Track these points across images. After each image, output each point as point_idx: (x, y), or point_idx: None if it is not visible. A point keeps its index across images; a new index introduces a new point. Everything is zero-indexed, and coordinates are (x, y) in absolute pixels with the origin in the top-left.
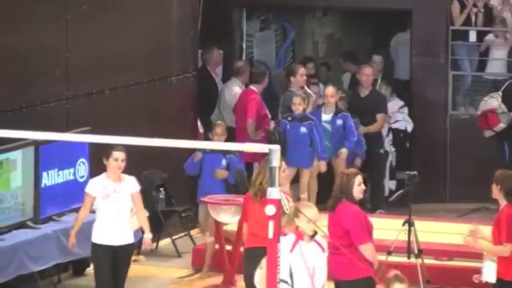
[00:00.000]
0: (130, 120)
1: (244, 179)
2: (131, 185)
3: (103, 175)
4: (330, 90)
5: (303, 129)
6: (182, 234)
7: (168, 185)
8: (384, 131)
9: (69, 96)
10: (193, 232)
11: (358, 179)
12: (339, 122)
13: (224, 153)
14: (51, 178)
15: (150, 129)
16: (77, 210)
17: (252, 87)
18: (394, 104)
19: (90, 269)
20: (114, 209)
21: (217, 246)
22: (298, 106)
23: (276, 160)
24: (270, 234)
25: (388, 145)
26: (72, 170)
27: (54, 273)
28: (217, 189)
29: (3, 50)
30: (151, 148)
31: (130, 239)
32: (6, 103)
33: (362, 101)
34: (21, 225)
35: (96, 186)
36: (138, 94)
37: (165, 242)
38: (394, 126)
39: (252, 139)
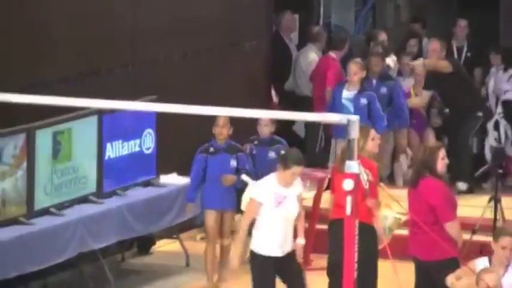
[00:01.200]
0: (199, 88)
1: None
2: (298, 187)
3: (271, 179)
4: (353, 67)
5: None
6: None
7: None
8: (493, 104)
9: (135, 63)
10: None
11: (442, 152)
12: (363, 101)
13: (233, 152)
14: (115, 150)
15: (220, 98)
16: (142, 184)
17: (331, 53)
18: (503, 75)
19: (155, 247)
20: (284, 217)
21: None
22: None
23: (354, 132)
24: (348, 211)
25: (499, 118)
26: (137, 141)
27: (117, 252)
28: (227, 196)
29: (67, 15)
30: None
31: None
32: (69, 70)
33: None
34: (83, 200)
35: (265, 192)
36: (208, 60)
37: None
38: (504, 98)
39: None
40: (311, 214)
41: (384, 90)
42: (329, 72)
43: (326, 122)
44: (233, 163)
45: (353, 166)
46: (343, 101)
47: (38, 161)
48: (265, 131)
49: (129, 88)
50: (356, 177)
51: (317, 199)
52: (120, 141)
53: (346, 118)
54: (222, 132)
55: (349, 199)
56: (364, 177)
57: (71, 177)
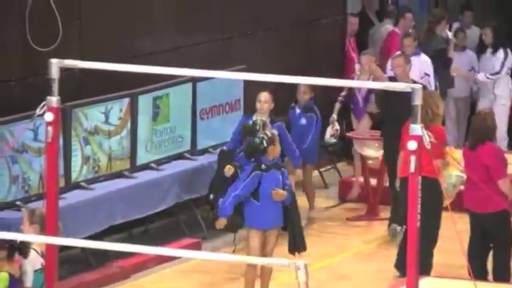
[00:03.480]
0: (281, 59)
1: (294, 204)
2: None
3: None
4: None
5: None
6: (329, 167)
7: None
8: None
9: (226, 37)
10: (339, 165)
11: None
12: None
13: (278, 167)
14: (207, 113)
15: (301, 69)
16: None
17: (395, 29)
18: None
19: None
20: None
21: (361, 179)
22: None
23: (418, 99)
24: (412, 168)
25: None
26: (227, 106)
27: (208, 203)
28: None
29: None
30: None
31: None
32: (167, 43)
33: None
34: (179, 157)
35: None
36: (289, 35)
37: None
38: None
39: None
40: (379, 171)
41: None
42: (392, 46)
43: (391, 89)
44: (281, 178)
45: (416, 129)
46: None
47: (140, 122)
48: (303, 97)
49: (219, 59)
50: (419, 139)
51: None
52: (211, 106)
53: (410, 86)
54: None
55: (412, 158)
56: (427, 139)
57: (168, 136)
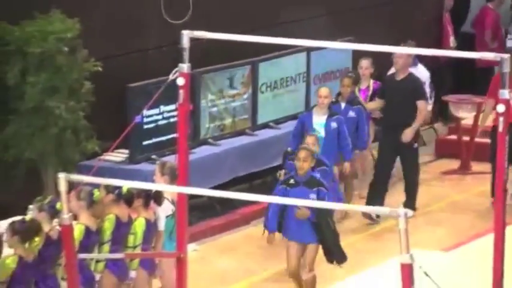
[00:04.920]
0: (386, 32)
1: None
2: None
3: None
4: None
5: None
6: (427, 127)
7: None
8: None
9: (332, 12)
10: (436, 125)
11: None
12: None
13: (313, 185)
14: (319, 79)
15: (401, 40)
16: None
17: (488, 4)
18: None
19: None
20: None
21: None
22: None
23: (507, 67)
24: (500, 129)
25: None
26: (337, 74)
27: None
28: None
29: None
30: None
31: None
32: (285, 16)
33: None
34: (295, 117)
35: None
36: (390, 9)
37: None
38: None
39: (489, 48)
40: (472, 130)
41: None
42: (487, 18)
43: (482, 58)
44: (313, 197)
45: (504, 93)
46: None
47: (260, 87)
48: (347, 90)
49: (329, 31)
50: (506, 102)
51: (476, 119)
52: (324, 73)
53: (500, 56)
54: (303, 166)
55: (501, 119)
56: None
57: (285, 98)
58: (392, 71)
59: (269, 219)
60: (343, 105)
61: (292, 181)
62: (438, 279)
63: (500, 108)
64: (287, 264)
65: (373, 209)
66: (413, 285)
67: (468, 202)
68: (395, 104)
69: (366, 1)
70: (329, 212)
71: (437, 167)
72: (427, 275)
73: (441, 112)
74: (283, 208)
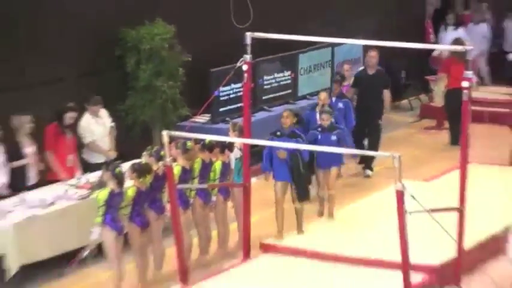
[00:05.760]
0: (380, 33)
1: (298, 165)
2: None
3: None
4: (346, 66)
5: None
6: (414, 97)
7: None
8: None
9: (347, 17)
10: (421, 96)
11: None
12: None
13: (293, 136)
14: (340, 65)
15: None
16: None
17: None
18: None
19: None
20: None
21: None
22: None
23: (470, 56)
24: (465, 98)
25: None
26: (352, 61)
27: None
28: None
29: None
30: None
31: None
32: (318, 23)
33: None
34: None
35: None
36: (385, 19)
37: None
38: None
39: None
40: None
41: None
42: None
43: (454, 50)
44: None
45: (468, 74)
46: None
47: (299, 71)
48: (337, 87)
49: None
50: (469, 79)
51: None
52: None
53: (465, 48)
54: (285, 122)
55: (465, 92)
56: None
57: (316, 79)
58: (362, 67)
59: (263, 161)
60: (334, 99)
61: (278, 133)
62: (420, 201)
63: (465, 84)
64: (274, 196)
65: (376, 153)
66: (404, 204)
67: (441, 148)
68: (368, 92)
69: (367, 11)
70: (300, 159)
71: (421, 125)
72: (413, 198)
73: (424, 87)
74: (271, 152)
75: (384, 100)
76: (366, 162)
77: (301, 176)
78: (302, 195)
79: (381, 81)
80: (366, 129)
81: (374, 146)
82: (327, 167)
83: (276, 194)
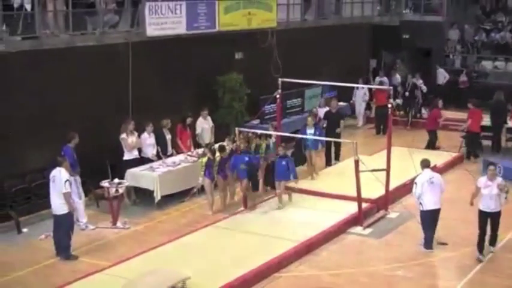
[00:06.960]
0: (332, 74)
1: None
2: None
3: None
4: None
5: None
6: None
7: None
8: None
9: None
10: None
11: None
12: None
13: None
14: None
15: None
16: None
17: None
18: None
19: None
20: None
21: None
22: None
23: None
24: (390, 111)
25: None
26: (330, 95)
27: None
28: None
29: None
30: None
31: None
32: (315, 69)
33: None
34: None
35: None
36: (349, 64)
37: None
38: None
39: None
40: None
41: None
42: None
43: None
44: (247, 159)
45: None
46: (308, 133)
47: (305, 97)
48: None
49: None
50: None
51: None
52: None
53: (384, 88)
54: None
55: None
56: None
57: (315, 101)
58: (327, 108)
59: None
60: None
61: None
62: (366, 165)
63: (389, 104)
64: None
65: (344, 141)
66: (359, 167)
67: (376, 137)
68: (332, 122)
69: (327, 68)
70: (255, 166)
71: (367, 127)
72: (362, 162)
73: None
74: (236, 162)
75: (340, 125)
76: (336, 153)
77: (255, 175)
78: (255, 187)
79: (339, 116)
80: (331, 142)
81: (337, 145)
82: (315, 149)
83: (240, 185)
